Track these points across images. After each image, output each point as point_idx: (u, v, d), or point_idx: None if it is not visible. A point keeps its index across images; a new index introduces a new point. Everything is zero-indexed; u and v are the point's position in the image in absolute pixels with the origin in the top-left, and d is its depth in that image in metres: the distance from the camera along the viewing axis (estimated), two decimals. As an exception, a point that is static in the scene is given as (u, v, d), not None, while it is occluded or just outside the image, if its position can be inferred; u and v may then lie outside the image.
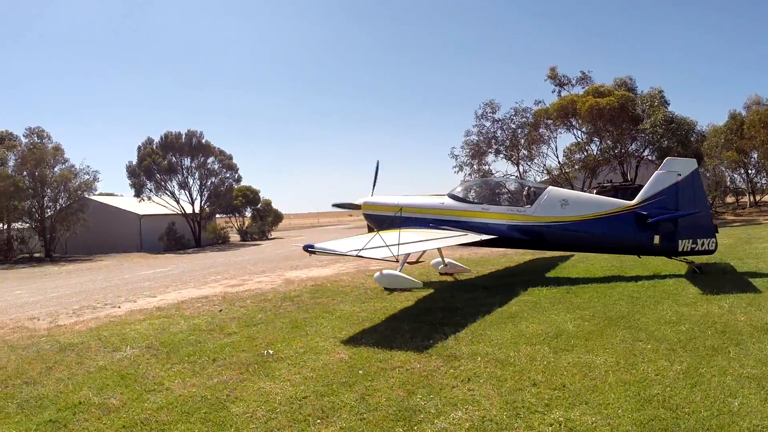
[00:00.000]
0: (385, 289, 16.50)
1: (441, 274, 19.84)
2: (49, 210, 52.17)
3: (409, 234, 15.79)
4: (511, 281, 17.56)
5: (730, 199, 61.73)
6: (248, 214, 68.80)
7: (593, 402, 7.47)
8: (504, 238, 17.46)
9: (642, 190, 16.45)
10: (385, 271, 16.42)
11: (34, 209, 51.16)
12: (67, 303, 19.59)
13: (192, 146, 57.53)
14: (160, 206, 57.55)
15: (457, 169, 39.85)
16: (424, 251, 18.38)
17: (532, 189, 17.81)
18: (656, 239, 15.71)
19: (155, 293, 20.63)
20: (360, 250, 12.76)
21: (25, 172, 50.06)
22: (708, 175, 47.68)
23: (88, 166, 54.34)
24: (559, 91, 41.18)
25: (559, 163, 41.06)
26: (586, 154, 40.34)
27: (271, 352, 10.46)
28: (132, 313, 16.19)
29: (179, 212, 58.23)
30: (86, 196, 54.24)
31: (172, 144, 57.06)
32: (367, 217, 20.05)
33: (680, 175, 15.53)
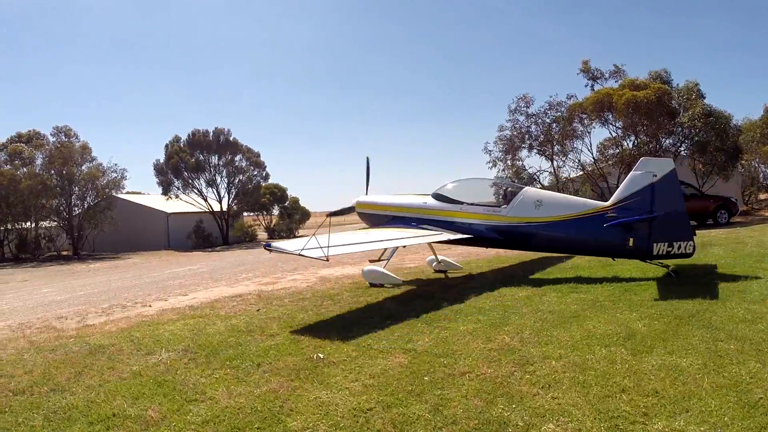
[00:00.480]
0: (370, 284, 16.81)
1: (435, 271, 19.66)
2: (76, 208, 51.70)
3: (376, 233, 16.80)
4: (558, 278, 16.54)
5: (762, 196, 60.12)
6: (276, 212, 67.90)
7: (695, 410, 6.58)
8: (480, 237, 17.51)
9: (617, 191, 15.94)
10: (367, 267, 17.11)
11: (61, 207, 50.61)
12: (96, 302, 18.76)
13: (219, 144, 56.70)
14: (188, 204, 56.85)
15: (491, 164, 38.80)
16: (385, 250, 17.73)
17: (509, 189, 18.12)
18: (630, 241, 15.16)
19: (186, 291, 19.72)
20: (302, 249, 13.23)
21: (52, 171, 49.59)
22: (741, 171, 46.14)
23: (116, 164, 53.97)
24: (592, 85, 39.90)
25: (593, 158, 39.71)
26: (621, 149, 38.97)
27: (321, 356, 9.47)
28: (164, 312, 15.28)
29: (207, 210, 57.50)
30: (114, 194, 53.66)
31: (199, 142, 56.29)
32: (360, 215, 20.68)
33: (656, 176, 14.76)
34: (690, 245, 14.65)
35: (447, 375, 8.22)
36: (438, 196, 18.37)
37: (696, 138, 37.50)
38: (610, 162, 39.54)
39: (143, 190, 69.11)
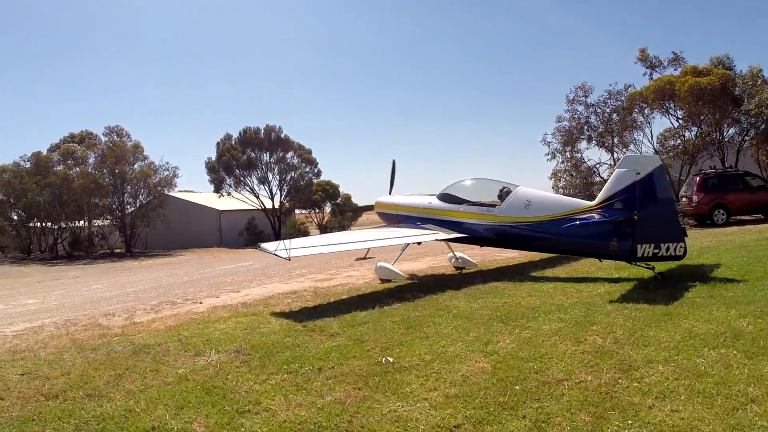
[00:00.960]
0: (381, 280, 17.23)
1: (455, 267, 19.53)
2: (129, 206, 51.24)
3: (367, 233, 18.54)
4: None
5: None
6: (327, 209, 66.86)
7: None
8: (475, 237, 17.77)
9: (602, 189, 15.45)
10: (379, 264, 17.83)
11: (114, 206, 50.18)
12: (145, 298, 17.97)
13: (271, 141, 55.57)
14: (240, 202, 55.88)
15: (549, 156, 37.15)
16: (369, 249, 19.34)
17: (505, 189, 17.48)
18: (614, 242, 14.45)
19: (239, 288, 18.76)
20: (276, 249, 14.28)
21: (105, 170, 49.18)
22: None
23: (168, 163, 53.11)
24: (651, 74, 37.93)
25: (654, 150, 37.81)
26: (684, 138, 37.07)
27: (390, 359, 8.27)
28: (215, 309, 14.27)
29: (259, 208, 56.50)
30: (166, 192, 53.13)
31: (250, 139, 55.27)
32: (379, 215, 21.74)
33: (639, 173, 14.01)
34: (680, 247, 13.83)
35: (541, 383, 7.01)
36: (441, 196, 18.72)
37: (762, 126, 35.52)
38: (670, 153, 37.64)
39: (196, 189, 68.50)
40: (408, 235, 17.23)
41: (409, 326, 10.40)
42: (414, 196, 20.24)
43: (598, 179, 36.95)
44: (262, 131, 55.45)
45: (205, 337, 10.51)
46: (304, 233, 58.37)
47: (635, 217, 13.83)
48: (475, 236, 17.67)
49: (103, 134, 53.16)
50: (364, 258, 18.66)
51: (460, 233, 17.37)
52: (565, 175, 37.03)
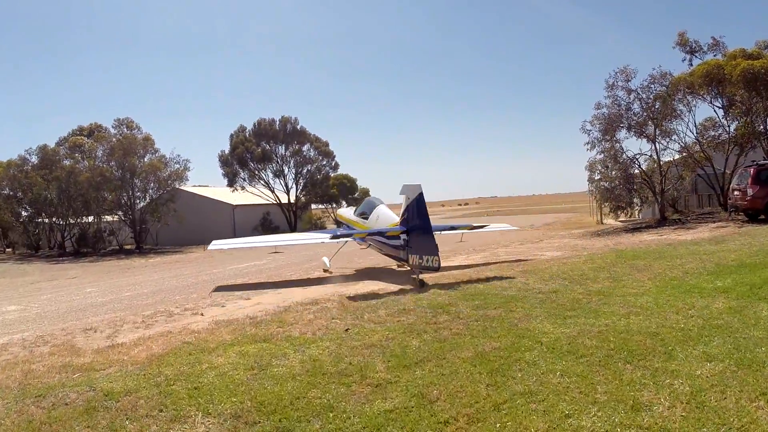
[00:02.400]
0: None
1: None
2: (139, 201, 47.95)
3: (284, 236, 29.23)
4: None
5: None
6: (345, 203, 63.13)
7: None
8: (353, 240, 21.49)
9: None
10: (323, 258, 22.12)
11: (123, 201, 46.77)
12: (140, 306, 15.65)
13: (287, 133, 52.20)
14: (254, 196, 52.77)
15: (589, 146, 33.32)
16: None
17: (374, 206, 21.01)
18: (402, 252, 16.99)
19: (249, 294, 16.25)
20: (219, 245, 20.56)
21: (113, 163, 45.86)
22: None
23: (179, 155, 49.87)
24: (690, 60, 34.31)
25: (697, 141, 34.01)
26: (729, 128, 33.30)
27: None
28: (217, 326, 11.09)
29: (274, 202, 53.28)
30: (177, 186, 49.61)
31: (265, 131, 51.87)
32: (335, 222, 27.72)
33: (409, 198, 16.19)
34: (435, 260, 15.22)
35: None
36: (357, 212, 22.52)
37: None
38: (713, 144, 33.87)
39: (211, 183, 64.85)
40: (307, 238, 24.23)
41: (492, 369, 6.86)
42: (349, 210, 25.25)
43: (637, 171, 33.35)
44: (278, 122, 51.96)
45: (193, 383, 7.10)
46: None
47: (405, 233, 16.57)
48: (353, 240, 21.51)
49: (112, 127, 50.01)
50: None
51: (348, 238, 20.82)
52: (600, 166, 33.32)
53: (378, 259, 21.80)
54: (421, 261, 15.61)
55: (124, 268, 31.20)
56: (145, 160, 46.88)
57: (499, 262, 19.22)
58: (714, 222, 28.97)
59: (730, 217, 29.58)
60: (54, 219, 48.91)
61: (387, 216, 19.59)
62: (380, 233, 18.50)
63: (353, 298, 13.24)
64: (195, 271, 25.66)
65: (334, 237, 20.64)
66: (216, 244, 20.12)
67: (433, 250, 15.25)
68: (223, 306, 14.25)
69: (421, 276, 15.67)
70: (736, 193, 27.84)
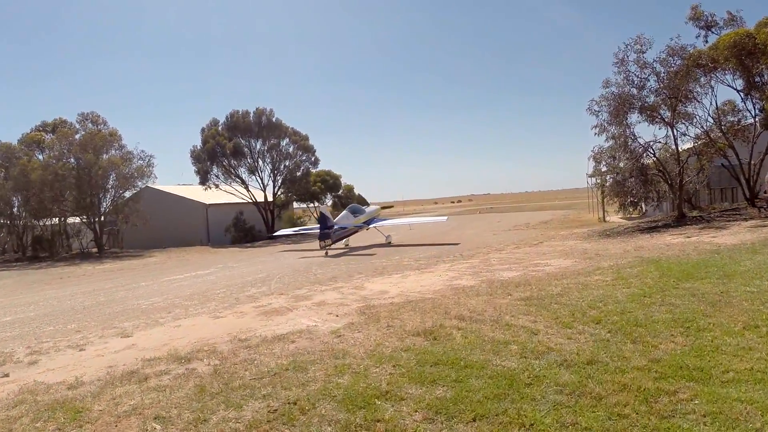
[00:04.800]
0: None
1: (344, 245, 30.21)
2: (103, 201, 42.06)
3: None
4: None
5: None
6: (329, 201, 57.02)
7: None
8: (352, 232, 30.76)
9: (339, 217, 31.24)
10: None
11: (86, 201, 40.79)
12: (19, 336, 11.75)
13: (261, 126, 46.27)
14: (230, 195, 46.69)
15: (597, 130, 27.21)
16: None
17: (358, 209, 32.49)
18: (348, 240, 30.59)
19: (153, 320, 12.16)
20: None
21: (71, 159, 40.11)
22: None
23: (143, 151, 43.84)
24: (706, 36, 28.35)
25: (719, 126, 27.79)
26: (760, 103, 27.02)
27: None
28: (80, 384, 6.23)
29: (249, 200, 47.28)
30: (142, 184, 43.81)
31: (238, 124, 45.82)
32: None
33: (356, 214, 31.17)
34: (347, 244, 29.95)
35: None
36: (351, 209, 32.08)
37: None
38: (732, 130, 27.78)
39: (186, 183, 58.54)
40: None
41: None
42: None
43: (652, 160, 27.33)
44: (252, 115, 45.85)
45: None
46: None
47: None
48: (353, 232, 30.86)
49: (77, 122, 43.93)
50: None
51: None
52: (607, 156, 27.41)
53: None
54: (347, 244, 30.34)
55: (56, 278, 26.32)
56: (105, 156, 40.89)
57: (488, 282, 13.35)
58: (745, 219, 23.24)
59: (763, 214, 23.84)
60: (11, 221, 43.21)
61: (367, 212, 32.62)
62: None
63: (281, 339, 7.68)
64: (126, 283, 21.37)
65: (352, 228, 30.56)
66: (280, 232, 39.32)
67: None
68: (107, 342, 10.14)
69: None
70: (773, 186, 22.08)
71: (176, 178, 42.97)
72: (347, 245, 29.52)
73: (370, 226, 30.98)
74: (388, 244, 28.49)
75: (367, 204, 36.13)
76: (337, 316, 10.79)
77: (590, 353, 6.62)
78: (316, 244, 29.11)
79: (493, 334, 7.99)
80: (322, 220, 27.82)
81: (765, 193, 24.28)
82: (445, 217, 39.15)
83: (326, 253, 26.14)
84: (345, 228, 29.16)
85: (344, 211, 30.68)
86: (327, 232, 27.18)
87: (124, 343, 10.01)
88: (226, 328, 10.55)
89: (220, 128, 45.80)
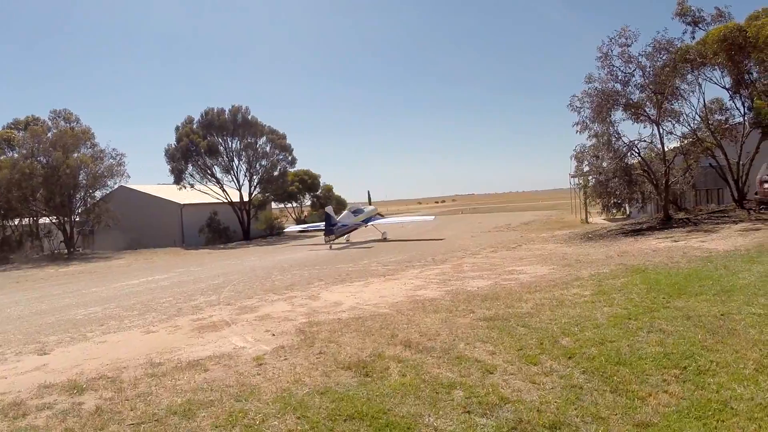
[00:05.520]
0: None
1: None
2: (78, 202, 40.20)
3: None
4: None
5: None
6: (308, 202, 55.22)
7: None
8: (352, 229, 32.89)
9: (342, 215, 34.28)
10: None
11: (57, 201, 38.82)
12: None
13: (237, 124, 44.38)
14: (205, 195, 44.85)
15: (579, 127, 25.54)
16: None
17: (359, 209, 34.45)
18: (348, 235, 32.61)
19: (89, 334, 10.76)
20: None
21: (41, 158, 38.17)
22: None
23: (114, 149, 42.08)
24: (693, 32, 26.72)
25: (707, 125, 26.08)
26: (747, 107, 25.39)
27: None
28: None
29: (225, 200, 45.40)
30: (114, 184, 42.26)
31: (212, 122, 44.00)
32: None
33: (355, 212, 34.28)
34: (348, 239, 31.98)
35: None
36: (351, 210, 34.62)
37: None
38: (719, 130, 26.07)
39: (163, 182, 56.40)
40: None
41: None
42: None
43: (636, 160, 25.60)
44: (227, 112, 43.92)
45: None
46: (280, 229, 47.31)
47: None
48: (353, 229, 33.22)
49: (49, 119, 42.22)
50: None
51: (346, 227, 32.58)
52: (590, 155, 25.74)
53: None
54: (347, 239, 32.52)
55: (10, 282, 24.93)
56: (76, 155, 38.94)
57: (454, 294, 11.61)
58: (734, 222, 21.56)
59: (753, 216, 22.20)
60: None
61: (365, 212, 34.54)
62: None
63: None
64: (77, 289, 19.70)
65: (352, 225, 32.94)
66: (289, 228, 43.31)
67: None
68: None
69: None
70: (767, 186, 20.38)
71: (158, 178, 42.02)
72: (348, 240, 32.15)
73: (368, 224, 33.56)
74: (384, 240, 31.45)
75: (368, 203, 35.91)
76: (273, 335, 9.29)
77: (556, 410, 4.90)
78: (290, 246, 33.70)
79: (439, 370, 6.28)
80: (327, 218, 30.72)
81: (756, 194, 22.60)
82: (433, 216, 42.80)
83: (330, 246, 29.54)
84: (346, 225, 32.14)
85: (345, 211, 33.81)
86: (331, 229, 30.30)
87: (37, 362, 8.88)
88: (150, 346, 9.32)
89: (194, 126, 43.85)
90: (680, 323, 7.33)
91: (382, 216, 37.16)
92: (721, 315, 7.55)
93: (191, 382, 6.96)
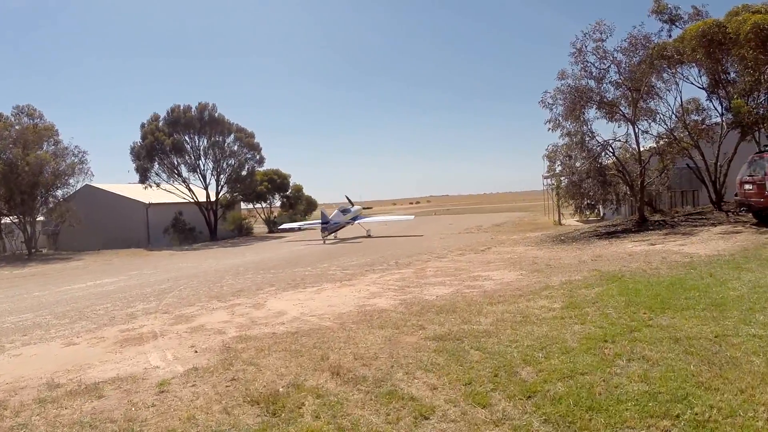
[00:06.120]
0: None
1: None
2: (36, 200, 38.20)
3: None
4: None
5: None
6: (277, 202, 53.63)
7: None
8: (342, 226, 35.24)
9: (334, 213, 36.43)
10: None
11: (12, 199, 36.93)
12: None
13: (204, 122, 42.75)
14: (172, 194, 43.14)
15: (551, 125, 24.24)
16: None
17: (347, 209, 36.54)
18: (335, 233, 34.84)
19: (7, 346, 9.81)
20: None
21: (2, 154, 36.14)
22: None
23: (77, 147, 40.98)
24: (670, 30, 25.49)
25: (684, 124, 24.89)
26: (729, 105, 24.13)
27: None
28: None
29: (192, 200, 43.69)
30: (76, 182, 40.62)
31: (179, 119, 42.36)
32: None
33: (344, 211, 36.18)
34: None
35: None
36: (341, 210, 36.26)
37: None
38: (696, 130, 24.79)
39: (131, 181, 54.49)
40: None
41: None
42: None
43: (611, 161, 24.34)
44: (194, 110, 42.24)
45: None
46: (248, 230, 45.70)
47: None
48: (343, 227, 35.54)
49: (11, 115, 39.97)
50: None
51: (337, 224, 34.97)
52: (562, 155, 24.48)
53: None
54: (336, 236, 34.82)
55: None
56: (39, 152, 37.05)
57: (408, 305, 10.19)
58: (713, 225, 20.31)
59: (731, 219, 21.00)
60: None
61: (351, 212, 36.67)
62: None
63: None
64: (5, 297, 17.97)
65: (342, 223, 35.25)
66: (284, 225, 43.20)
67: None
68: None
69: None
70: (748, 187, 19.10)
71: (130, 177, 40.22)
72: (335, 236, 34.86)
73: (355, 222, 36.19)
74: (368, 236, 33.94)
75: (351, 204, 38.28)
76: (196, 352, 8.06)
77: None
78: (253, 247, 34.93)
79: (362, 412, 4.87)
80: (323, 216, 34.43)
81: (736, 196, 21.34)
82: (413, 216, 45.42)
83: (324, 241, 32.81)
84: (338, 223, 34.89)
85: (336, 211, 36.04)
86: (325, 226, 33.57)
87: None
88: (62, 362, 8.30)
89: (160, 124, 42.05)
90: (667, 348, 5.90)
91: (366, 216, 40.07)
92: (716, 337, 6.13)
93: (76, 413, 5.91)
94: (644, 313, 7.46)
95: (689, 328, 6.63)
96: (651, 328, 6.69)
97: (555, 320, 7.59)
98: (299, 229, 43.60)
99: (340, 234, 35.43)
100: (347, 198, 39.19)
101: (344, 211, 36.41)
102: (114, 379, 6.98)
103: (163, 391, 6.25)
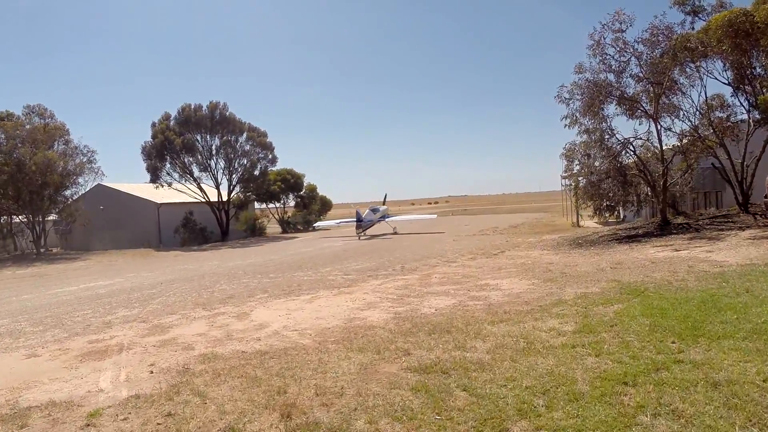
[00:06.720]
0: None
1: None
2: (44, 199, 37.39)
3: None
4: None
5: None
6: (291, 202, 52.51)
7: None
8: (373, 224, 37.50)
9: (366, 211, 38.51)
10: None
11: (21, 198, 36.18)
12: None
13: (215, 121, 41.77)
14: (184, 194, 42.10)
15: (567, 121, 22.89)
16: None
17: (376, 208, 39.42)
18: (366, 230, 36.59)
19: None
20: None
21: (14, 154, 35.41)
22: None
23: (86, 146, 40.23)
24: (692, 21, 23.99)
25: (709, 122, 23.36)
26: (753, 101, 22.56)
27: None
28: None
29: (202, 200, 42.70)
30: (85, 182, 39.95)
31: (189, 118, 41.43)
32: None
33: (374, 211, 38.87)
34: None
35: None
36: (372, 209, 39.07)
37: None
38: (720, 127, 23.26)
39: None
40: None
41: None
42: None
43: (630, 160, 22.91)
44: (205, 109, 41.27)
45: None
46: (261, 230, 44.57)
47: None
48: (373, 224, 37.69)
49: (23, 114, 39.47)
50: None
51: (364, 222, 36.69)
52: (581, 154, 23.10)
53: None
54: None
55: None
56: (48, 152, 36.23)
57: (401, 320, 8.95)
58: (740, 228, 18.84)
59: (760, 222, 19.55)
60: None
61: (380, 211, 39.82)
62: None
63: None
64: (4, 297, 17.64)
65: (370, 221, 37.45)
66: (319, 224, 46.90)
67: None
68: None
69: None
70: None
71: (145, 177, 39.40)
72: (365, 233, 36.90)
73: (383, 221, 39.08)
74: (395, 233, 36.88)
75: (383, 204, 42.67)
76: (152, 372, 7.24)
77: None
78: (263, 248, 33.57)
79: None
80: (357, 215, 37.21)
81: (766, 198, 19.87)
82: (435, 215, 48.89)
83: (359, 237, 35.42)
84: (371, 221, 37.66)
85: (367, 210, 38.69)
86: (360, 223, 36.29)
87: None
88: (12, 378, 7.62)
89: (171, 123, 41.09)
90: (704, 398, 4.54)
91: (392, 215, 43.66)
92: (764, 381, 4.79)
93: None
94: (673, 342, 6.11)
95: (729, 366, 5.26)
96: (682, 366, 5.32)
97: (564, 349, 6.25)
98: (337, 225, 46.27)
99: (370, 231, 37.78)
100: (384, 196, 44.36)
101: (374, 210, 39.68)
102: (48, 404, 6.30)
103: (89, 425, 5.50)
